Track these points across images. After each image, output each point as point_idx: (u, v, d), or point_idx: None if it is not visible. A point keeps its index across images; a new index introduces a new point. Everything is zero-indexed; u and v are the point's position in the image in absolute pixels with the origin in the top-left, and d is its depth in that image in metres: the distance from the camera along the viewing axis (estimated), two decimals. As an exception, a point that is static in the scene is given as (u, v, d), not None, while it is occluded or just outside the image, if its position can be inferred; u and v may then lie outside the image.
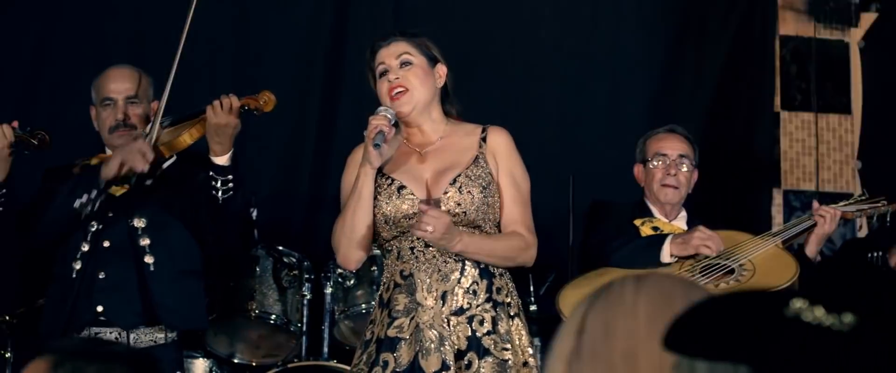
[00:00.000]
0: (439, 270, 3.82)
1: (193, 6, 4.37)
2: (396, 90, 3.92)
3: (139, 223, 4.35)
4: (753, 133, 6.13)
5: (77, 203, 4.27)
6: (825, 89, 6.34)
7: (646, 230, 4.80)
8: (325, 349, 5.24)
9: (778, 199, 6.10)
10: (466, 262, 3.83)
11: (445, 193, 3.85)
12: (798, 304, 1.40)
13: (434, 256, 3.82)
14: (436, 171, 3.91)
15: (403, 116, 3.93)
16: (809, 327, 1.38)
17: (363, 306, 5.19)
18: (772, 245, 4.61)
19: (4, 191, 4.25)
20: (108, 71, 4.59)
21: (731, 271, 4.47)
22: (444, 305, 3.79)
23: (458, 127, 4.01)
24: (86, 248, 4.34)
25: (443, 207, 3.78)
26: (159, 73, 5.72)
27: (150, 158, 4.17)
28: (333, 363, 5.15)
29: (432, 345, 3.75)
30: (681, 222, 4.88)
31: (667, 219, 4.87)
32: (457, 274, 3.82)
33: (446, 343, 3.76)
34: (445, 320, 3.78)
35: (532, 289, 5.31)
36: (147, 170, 4.19)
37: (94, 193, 4.25)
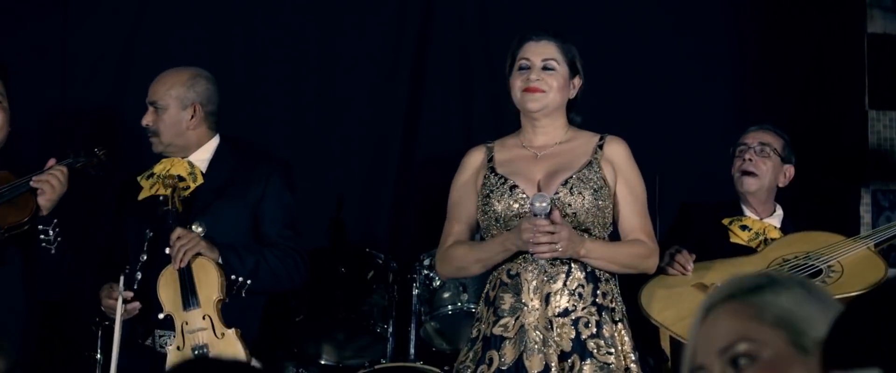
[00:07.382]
0: (545, 272, 3.84)
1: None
2: (532, 89, 3.97)
3: (197, 229, 4.34)
4: (842, 132, 6.06)
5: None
6: (914, 87, 6.26)
7: (734, 229, 4.75)
8: (412, 350, 5.24)
9: (866, 198, 6.03)
10: (573, 264, 3.85)
11: (556, 193, 3.86)
12: None
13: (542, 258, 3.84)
14: (549, 172, 3.94)
15: (531, 112, 3.96)
16: None
17: (449, 307, 5.19)
18: (863, 247, 4.55)
19: (56, 221, 4.19)
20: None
21: (819, 272, 4.42)
22: (547, 306, 3.80)
23: (577, 134, 4.07)
24: (144, 258, 4.37)
25: (556, 216, 3.80)
26: (242, 75, 5.76)
27: None
28: (420, 365, 5.15)
29: (536, 346, 3.77)
30: (775, 221, 4.81)
31: (758, 216, 4.81)
32: (563, 276, 3.84)
33: (549, 345, 3.77)
34: (549, 323, 3.80)
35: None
36: None
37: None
